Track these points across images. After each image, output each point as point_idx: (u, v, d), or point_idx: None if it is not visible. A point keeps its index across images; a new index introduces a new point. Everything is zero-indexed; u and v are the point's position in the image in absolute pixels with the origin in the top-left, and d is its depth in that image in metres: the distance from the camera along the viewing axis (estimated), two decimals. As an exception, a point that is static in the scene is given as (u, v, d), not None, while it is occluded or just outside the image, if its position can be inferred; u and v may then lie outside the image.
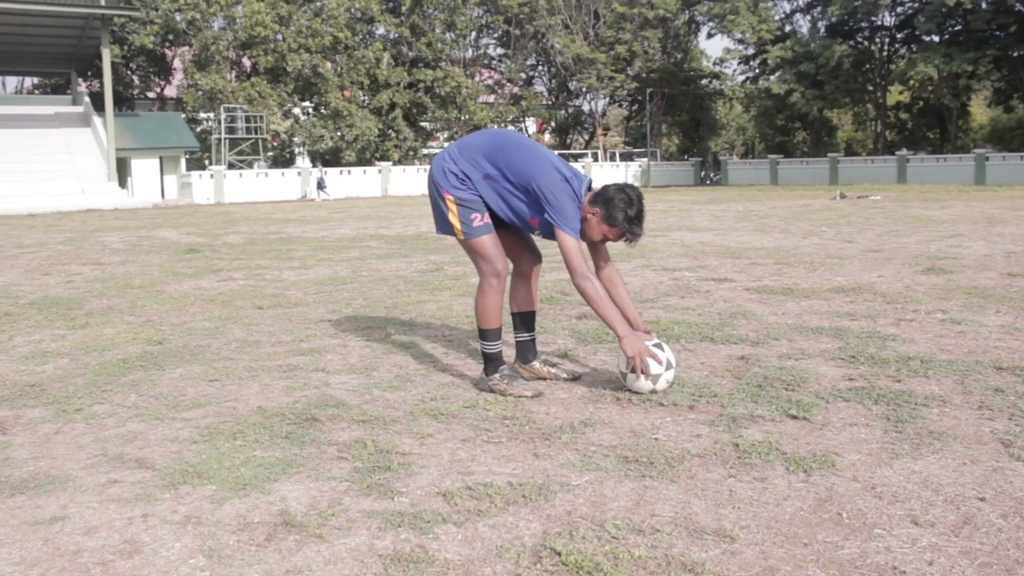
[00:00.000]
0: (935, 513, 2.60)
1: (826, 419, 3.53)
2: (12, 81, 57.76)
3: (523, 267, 4.33)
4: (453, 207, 4.02)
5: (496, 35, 58.77)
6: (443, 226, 4.13)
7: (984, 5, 42.16)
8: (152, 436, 3.57)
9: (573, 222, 3.88)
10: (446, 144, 57.17)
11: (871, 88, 51.92)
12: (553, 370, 4.30)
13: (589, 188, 4.04)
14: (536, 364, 4.32)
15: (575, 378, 4.27)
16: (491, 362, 4.13)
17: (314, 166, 43.90)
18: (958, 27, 45.09)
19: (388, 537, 2.53)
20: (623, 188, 3.92)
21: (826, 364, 4.44)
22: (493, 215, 4.08)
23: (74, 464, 3.26)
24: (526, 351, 4.35)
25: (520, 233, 4.28)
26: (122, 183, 39.79)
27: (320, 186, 39.53)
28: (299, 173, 44.70)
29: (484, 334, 4.14)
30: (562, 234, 3.86)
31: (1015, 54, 43.77)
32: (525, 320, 4.35)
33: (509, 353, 4.42)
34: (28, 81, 56.59)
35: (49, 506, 2.85)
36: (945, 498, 2.70)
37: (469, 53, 56.65)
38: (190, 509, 2.78)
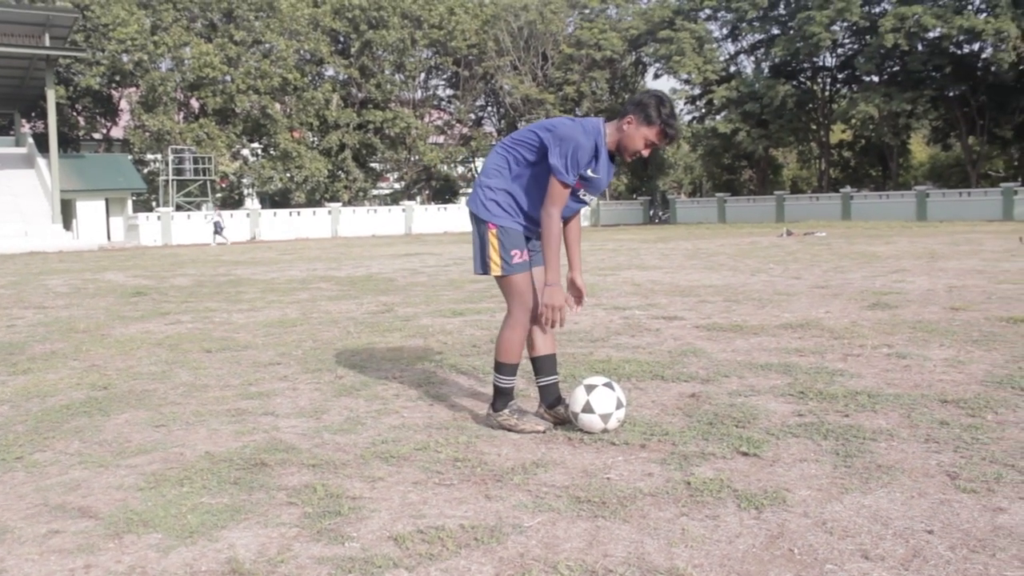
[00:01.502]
0: (885, 547, 2.62)
1: (776, 455, 3.55)
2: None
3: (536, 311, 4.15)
4: (494, 240, 3.97)
5: (445, 76, 59.16)
6: (482, 264, 4.05)
7: (920, 47, 43.39)
8: (96, 484, 3.49)
9: (568, 165, 3.82)
10: (396, 185, 57.19)
11: (814, 127, 53.04)
12: (565, 412, 4.16)
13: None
14: (560, 409, 4.17)
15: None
16: (502, 396, 4.11)
17: (212, 209, 43.08)
18: (896, 68, 46.35)
19: (338, 584, 2.49)
20: (651, 92, 3.92)
21: (776, 400, 4.48)
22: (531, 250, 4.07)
23: (13, 514, 3.17)
24: (549, 395, 4.22)
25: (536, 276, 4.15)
26: (67, 225, 39.21)
27: (217, 230, 38.54)
28: (248, 215, 44.39)
29: (501, 368, 4.09)
30: (553, 179, 3.84)
31: (951, 94, 45.08)
32: (546, 364, 4.22)
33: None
34: (-30, 122, 55.63)
35: (-13, 559, 2.76)
36: (894, 531, 2.73)
37: (419, 94, 56.93)
38: (135, 559, 2.72)
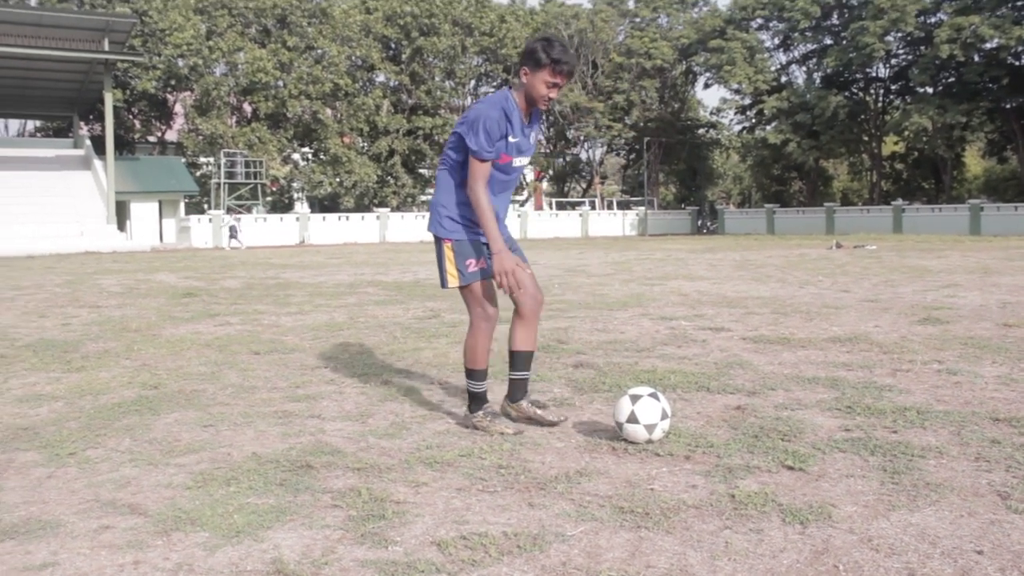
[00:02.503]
0: (932, 566, 2.58)
1: (822, 470, 3.52)
2: (14, 124, 58.12)
3: (524, 308, 4.30)
4: (450, 254, 4.19)
5: (495, 83, 59.31)
6: (442, 279, 4.28)
7: (977, 58, 42.71)
8: (145, 481, 3.55)
9: (476, 141, 4.01)
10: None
11: (866, 138, 52.44)
12: (539, 412, 4.34)
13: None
14: (524, 404, 4.37)
15: (560, 421, 4.31)
16: (476, 400, 4.32)
17: (228, 213, 43.36)
18: (951, 79, 45.69)
19: (381, 587, 2.51)
20: (536, 38, 4.14)
21: (822, 414, 4.44)
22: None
23: (66, 509, 3.23)
24: (517, 390, 4.38)
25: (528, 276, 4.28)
26: (121, 226, 39.92)
27: (232, 234, 38.79)
28: (297, 218, 44.85)
29: (471, 374, 4.32)
30: (472, 160, 4.04)
31: (1008, 106, 44.30)
32: (523, 359, 4.35)
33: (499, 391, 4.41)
34: (30, 124, 56.91)
35: (39, 552, 2.82)
36: (942, 551, 2.69)
37: (468, 101, 57.13)
38: (182, 556, 2.76)
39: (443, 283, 4.28)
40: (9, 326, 8.96)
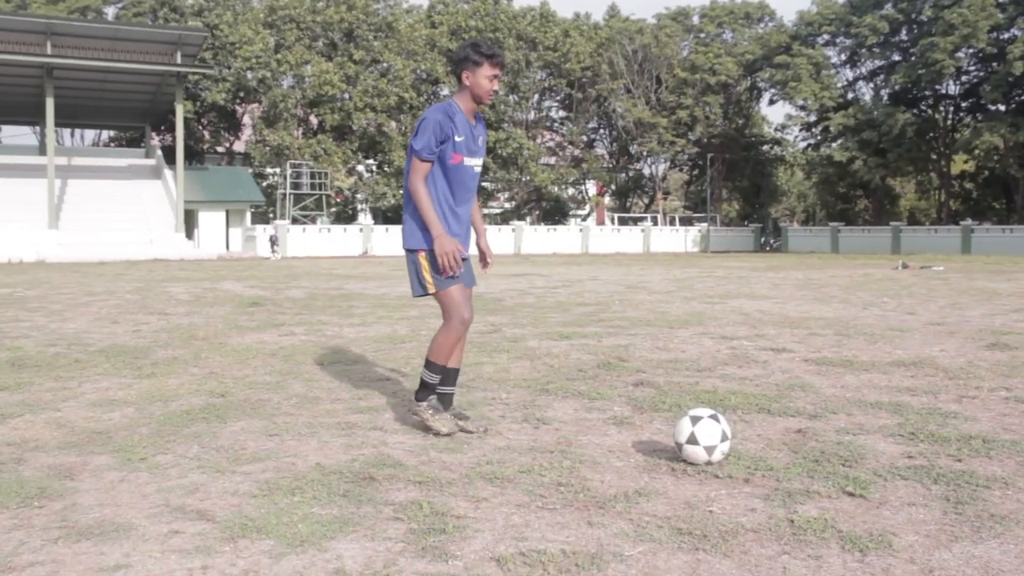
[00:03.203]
0: (995, 599, 2.56)
1: (883, 497, 3.49)
2: (90, 134, 59.70)
3: (452, 323, 4.59)
4: (424, 263, 4.49)
5: (559, 98, 59.50)
6: (421, 286, 4.55)
7: (1053, 76, 41.72)
8: (213, 488, 3.65)
9: (420, 141, 4.37)
10: (507, 205, 57.77)
11: (935, 157, 51.50)
12: (461, 423, 4.65)
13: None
14: (446, 413, 4.68)
15: (484, 431, 4.62)
16: (425, 388, 4.61)
17: (268, 223, 43.74)
18: (1025, 97, 44.64)
19: (442, 600, 2.56)
20: (461, 46, 4.57)
21: (885, 440, 4.39)
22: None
23: (137, 513, 3.34)
24: (445, 402, 4.71)
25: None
26: (189, 234, 40.76)
27: (272, 244, 39.35)
28: (361, 229, 45.32)
29: (430, 365, 4.59)
30: (414, 158, 4.41)
31: (1084, 125, 43.15)
32: (452, 375, 4.71)
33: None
34: (105, 134, 58.43)
35: (113, 553, 2.92)
36: (1005, 584, 2.66)
37: (531, 115, 57.39)
38: (248, 563, 2.84)
39: (421, 290, 4.55)
40: (83, 331, 9.22)
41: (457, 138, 4.44)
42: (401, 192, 49.50)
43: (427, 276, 4.47)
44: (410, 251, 4.53)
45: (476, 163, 4.61)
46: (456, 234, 4.51)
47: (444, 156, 4.44)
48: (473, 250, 4.85)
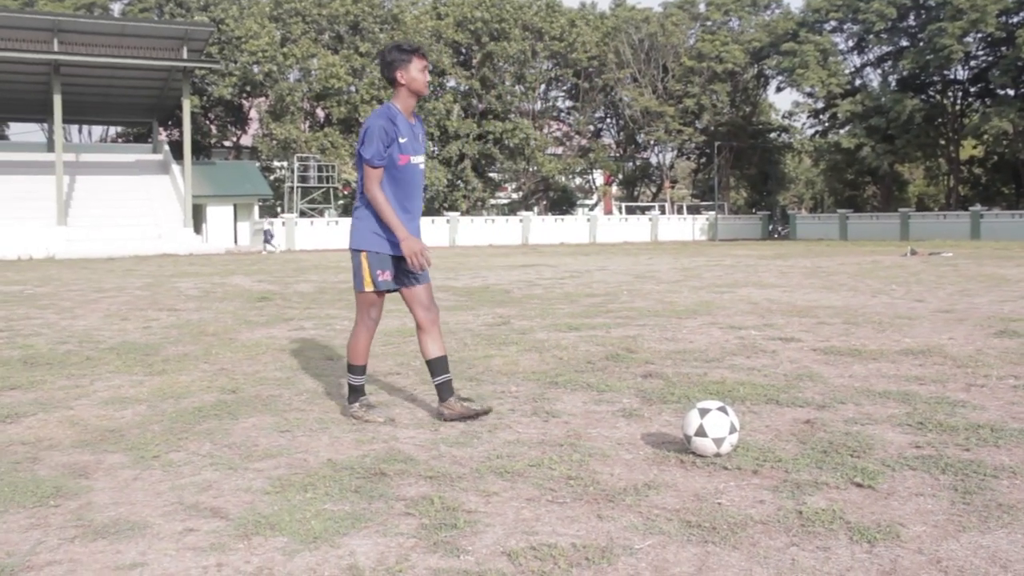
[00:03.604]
0: (1002, 589, 2.57)
1: (892, 488, 3.51)
2: (97, 130, 59.82)
3: (422, 322, 4.83)
4: (366, 263, 4.74)
5: (565, 88, 59.38)
6: (360, 282, 4.82)
7: (1063, 60, 41.49)
8: (226, 485, 3.68)
9: (370, 150, 4.55)
10: (514, 195, 57.73)
11: (943, 142, 51.29)
12: (465, 403, 4.90)
13: None
14: (452, 400, 4.84)
15: (488, 409, 4.87)
16: (354, 392, 4.90)
17: (262, 217, 43.39)
18: (1034, 81, 44.41)
19: (454, 595, 2.59)
20: (385, 50, 4.74)
21: (893, 430, 4.41)
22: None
23: (152, 511, 3.38)
24: (444, 391, 4.84)
25: (416, 292, 4.83)
26: (197, 229, 40.83)
27: (267, 239, 38.91)
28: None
29: (352, 368, 4.91)
30: (366, 167, 4.61)
31: (1094, 109, 42.93)
32: (440, 364, 4.84)
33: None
34: (112, 130, 58.54)
35: (129, 552, 2.96)
36: (1014, 574, 2.68)
37: (538, 105, 57.27)
38: (262, 560, 2.87)
39: (360, 286, 4.82)
40: (94, 328, 9.27)
41: (401, 139, 4.62)
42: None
43: (366, 275, 4.75)
44: (355, 251, 4.79)
45: (421, 160, 4.82)
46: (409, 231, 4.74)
47: (392, 159, 4.63)
48: None
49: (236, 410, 5.11)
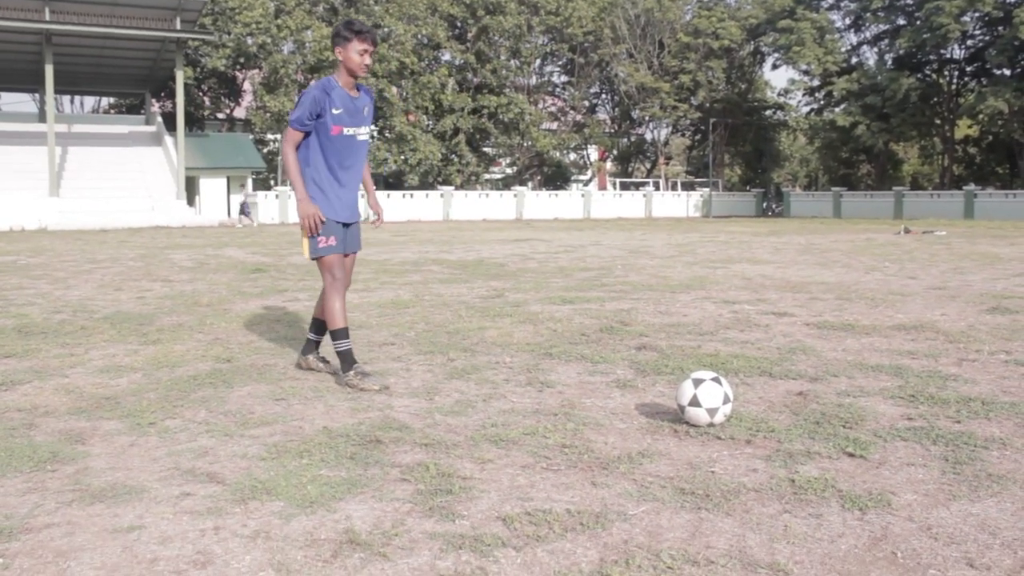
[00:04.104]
0: (991, 556, 2.61)
1: (883, 458, 3.54)
2: (90, 101, 59.47)
3: (327, 286, 5.07)
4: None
5: (560, 63, 59.07)
6: (314, 250, 4.98)
7: (1059, 39, 41.41)
8: (222, 451, 3.70)
9: (294, 114, 4.79)
10: (508, 170, 57.62)
11: (938, 122, 51.24)
12: (321, 365, 5.29)
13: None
14: (311, 358, 5.33)
15: (331, 372, 5.19)
16: (346, 360, 4.95)
17: (241, 188, 42.79)
18: (1030, 61, 44.35)
19: (449, 559, 2.62)
20: (339, 23, 4.89)
21: (885, 402, 4.44)
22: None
23: (149, 476, 3.39)
24: (309, 348, 5.35)
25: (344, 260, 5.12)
26: (190, 201, 40.67)
27: (243, 211, 37.71)
28: (362, 195, 45.15)
29: (334, 334, 4.98)
30: (288, 128, 4.85)
31: (1090, 89, 42.90)
32: (321, 326, 5.25)
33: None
34: (104, 101, 58.17)
35: (126, 515, 2.98)
36: (1002, 542, 2.71)
37: (533, 80, 57.02)
38: (259, 524, 2.89)
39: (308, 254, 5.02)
40: (87, 298, 9.26)
41: (334, 111, 4.80)
42: (402, 157, 49.49)
43: (306, 243, 4.96)
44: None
45: (360, 131, 4.98)
46: (342, 200, 4.97)
47: (324, 128, 4.82)
48: (366, 211, 5.18)
49: (231, 379, 5.13)
